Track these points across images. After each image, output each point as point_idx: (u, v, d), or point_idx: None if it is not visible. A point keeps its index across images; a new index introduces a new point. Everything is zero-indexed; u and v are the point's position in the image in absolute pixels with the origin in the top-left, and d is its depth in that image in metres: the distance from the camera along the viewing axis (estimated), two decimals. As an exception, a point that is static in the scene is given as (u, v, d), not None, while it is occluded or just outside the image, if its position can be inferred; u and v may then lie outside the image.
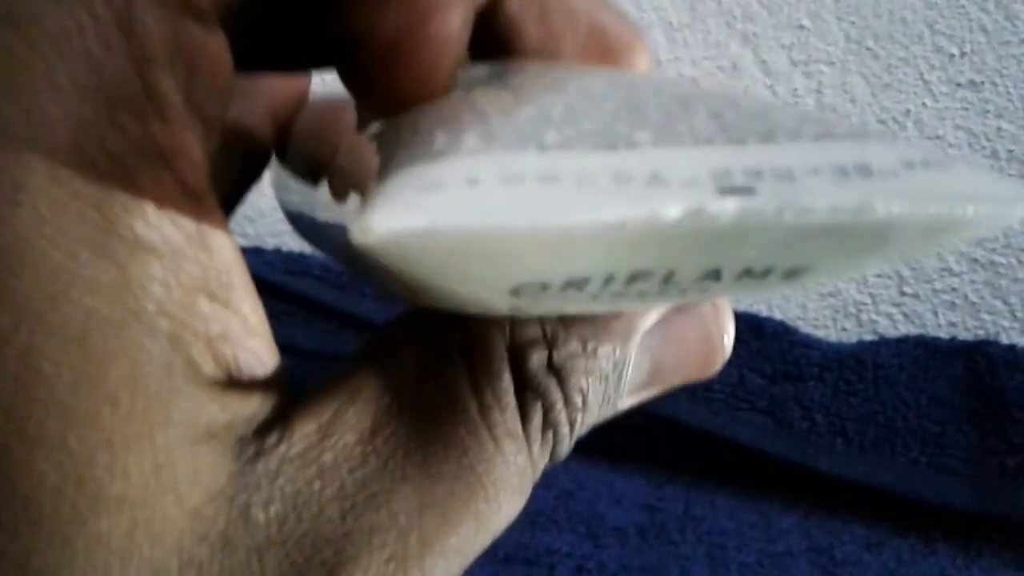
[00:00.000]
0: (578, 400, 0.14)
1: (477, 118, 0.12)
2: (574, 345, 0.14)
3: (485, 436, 0.13)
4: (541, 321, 0.14)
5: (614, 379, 0.15)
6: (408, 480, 0.13)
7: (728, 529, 0.34)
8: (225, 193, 0.19)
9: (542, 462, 0.14)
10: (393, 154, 0.11)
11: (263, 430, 0.13)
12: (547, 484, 0.35)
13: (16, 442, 0.11)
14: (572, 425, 0.14)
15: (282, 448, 0.13)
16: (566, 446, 0.14)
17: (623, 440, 0.35)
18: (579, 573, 0.32)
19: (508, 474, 0.14)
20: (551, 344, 0.14)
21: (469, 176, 0.10)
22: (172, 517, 0.12)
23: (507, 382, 0.14)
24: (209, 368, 0.12)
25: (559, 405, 0.14)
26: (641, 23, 0.38)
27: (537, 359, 0.14)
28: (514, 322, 0.14)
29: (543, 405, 0.14)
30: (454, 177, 0.10)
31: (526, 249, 0.10)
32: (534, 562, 0.32)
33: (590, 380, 0.14)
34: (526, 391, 0.14)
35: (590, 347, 0.14)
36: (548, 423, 0.14)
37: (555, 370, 0.14)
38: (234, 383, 0.13)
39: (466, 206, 0.10)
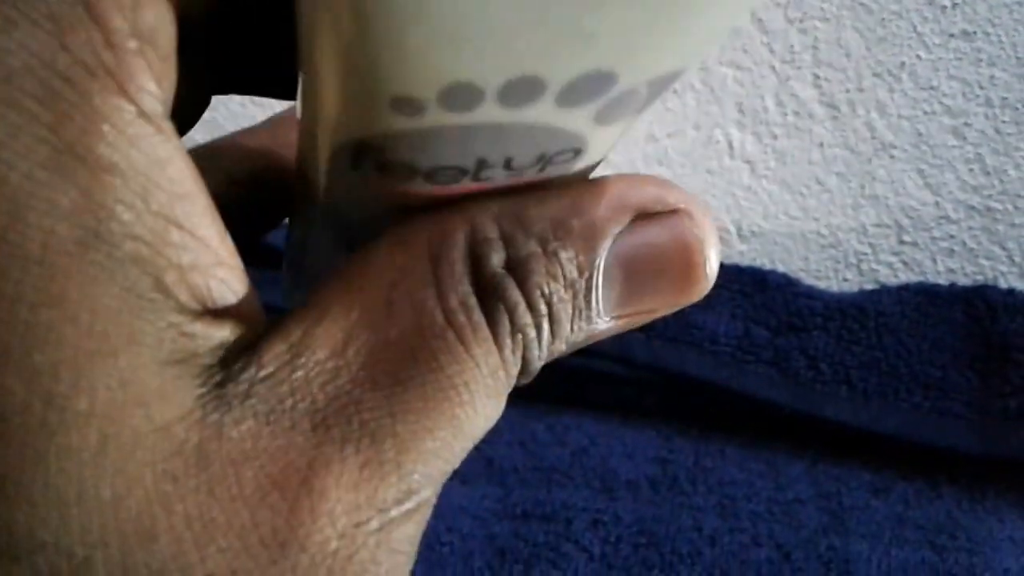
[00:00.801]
0: (540, 304, 0.14)
1: None
2: (532, 246, 0.14)
3: (453, 340, 0.13)
4: (499, 221, 0.14)
5: (582, 287, 0.14)
6: (379, 388, 0.13)
7: (738, 479, 0.35)
8: (249, 232, 0.19)
9: (514, 367, 0.14)
10: None
11: (234, 355, 0.13)
12: (561, 441, 0.36)
13: None
14: (539, 330, 0.14)
15: (251, 371, 0.13)
16: (536, 354, 0.14)
17: (633, 395, 0.36)
18: (595, 526, 0.33)
19: (480, 376, 0.14)
20: (508, 244, 0.14)
21: None
22: (142, 432, 0.12)
23: (467, 285, 0.14)
24: (182, 295, 0.12)
25: (521, 308, 0.14)
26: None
27: (496, 259, 0.14)
28: (474, 223, 0.14)
29: (506, 308, 0.14)
30: None
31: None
32: (551, 517, 0.33)
33: (551, 284, 0.14)
34: (487, 293, 0.14)
35: (550, 248, 0.14)
36: (514, 327, 0.14)
37: (513, 271, 0.14)
38: (206, 311, 0.13)
39: None
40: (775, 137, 0.40)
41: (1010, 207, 0.40)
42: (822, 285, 0.41)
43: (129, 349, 0.12)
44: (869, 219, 0.41)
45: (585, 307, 0.14)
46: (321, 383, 0.13)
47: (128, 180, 0.12)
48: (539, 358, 0.14)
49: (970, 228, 0.41)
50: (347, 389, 0.13)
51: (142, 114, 0.12)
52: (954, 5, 0.38)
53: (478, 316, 0.14)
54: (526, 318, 0.14)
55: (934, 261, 0.41)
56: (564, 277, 0.14)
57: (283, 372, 0.13)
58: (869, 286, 0.42)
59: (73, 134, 0.12)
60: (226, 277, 0.13)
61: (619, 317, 0.15)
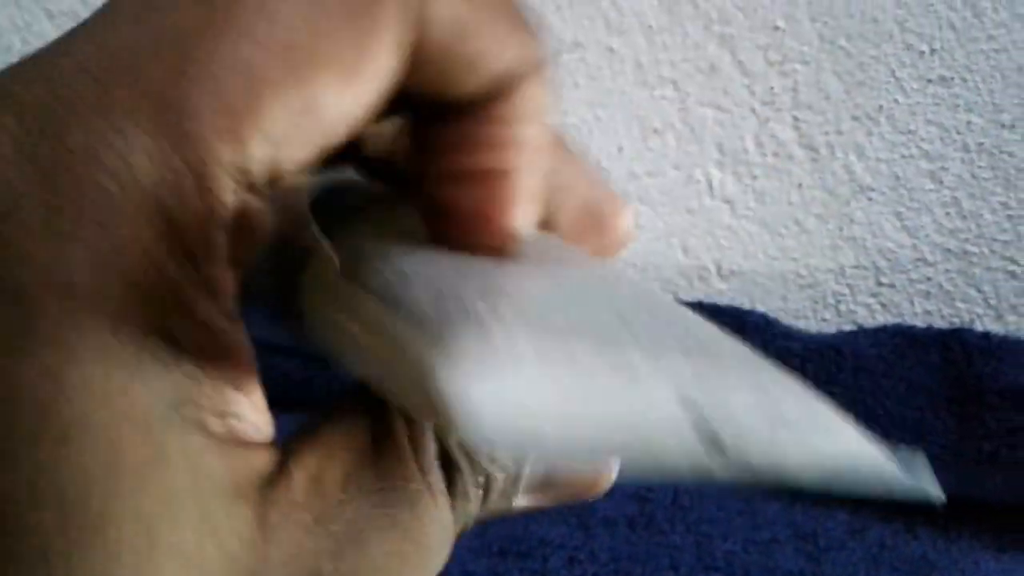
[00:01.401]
0: (481, 478, 0.17)
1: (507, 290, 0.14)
2: None
3: (425, 491, 0.16)
4: None
5: (512, 474, 0.17)
6: (377, 528, 0.16)
7: (715, 517, 0.34)
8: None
9: (459, 523, 0.17)
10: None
11: (270, 482, 0.15)
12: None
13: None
14: (477, 497, 0.17)
15: (288, 495, 0.15)
16: (472, 514, 0.17)
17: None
18: (571, 564, 0.33)
19: (443, 525, 0.17)
20: None
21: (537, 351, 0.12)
22: (214, 560, 0.14)
23: (433, 452, 0.17)
24: (222, 435, 0.15)
25: (468, 477, 0.17)
26: (621, 27, 0.39)
27: (453, 441, 0.17)
28: None
29: (459, 475, 0.17)
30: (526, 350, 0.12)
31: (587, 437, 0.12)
32: (527, 554, 0.33)
33: (492, 467, 0.17)
34: (446, 460, 0.17)
35: None
36: (461, 491, 0.17)
37: (464, 450, 0.17)
38: (243, 446, 0.15)
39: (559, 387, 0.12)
40: (755, 177, 0.41)
41: (986, 250, 0.41)
42: (801, 325, 0.41)
43: (203, 492, 0.14)
44: (847, 260, 0.41)
45: (511, 489, 0.18)
46: (337, 511, 0.16)
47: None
48: (472, 517, 0.18)
49: (947, 271, 0.41)
50: (354, 519, 0.16)
51: (223, 311, 0.15)
52: (932, 51, 0.39)
53: (439, 476, 0.17)
54: (471, 486, 0.17)
55: (911, 303, 0.42)
56: (500, 464, 0.17)
57: (310, 499, 0.15)
58: (847, 326, 0.42)
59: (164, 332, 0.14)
60: (258, 421, 0.15)
61: (532, 498, 0.18)
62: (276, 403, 0.16)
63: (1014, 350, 0.37)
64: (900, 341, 0.37)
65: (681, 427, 0.13)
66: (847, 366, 0.36)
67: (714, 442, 0.13)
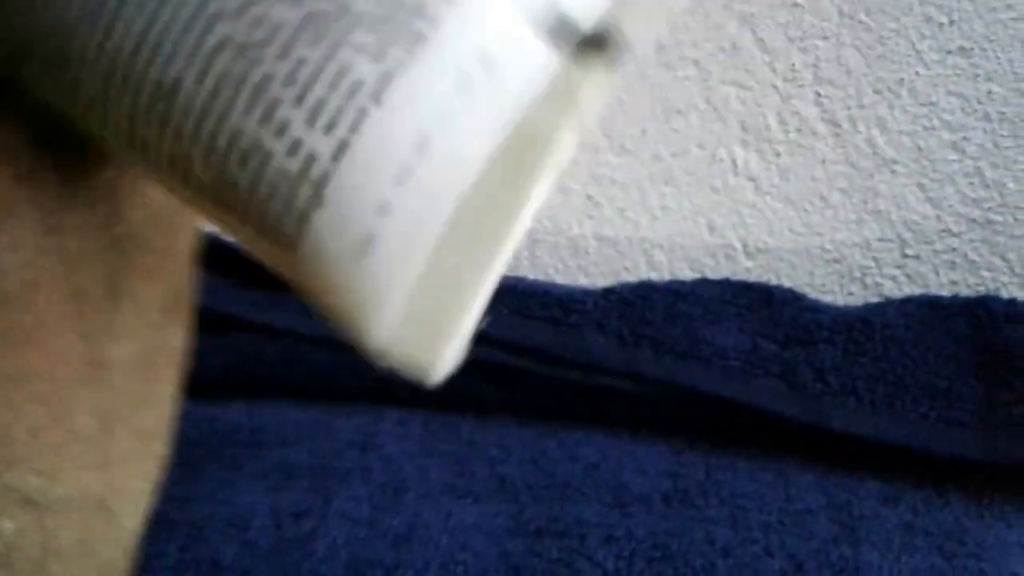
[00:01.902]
0: None
1: None
2: None
3: None
4: None
5: None
6: None
7: (749, 491, 0.35)
8: None
9: None
10: None
11: None
12: (573, 457, 0.36)
13: None
14: None
15: None
16: None
17: (644, 410, 0.37)
18: (608, 542, 0.34)
19: None
20: None
21: None
22: None
23: None
24: None
25: None
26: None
27: None
28: None
29: None
30: None
31: None
32: (564, 533, 0.34)
33: None
34: None
35: None
36: None
37: None
38: None
39: None
40: (778, 155, 0.41)
41: (1010, 219, 0.41)
42: (827, 299, 0.41)
43: None
44: (872, 234, 0.42)
45: None
46: None
47: None
48: None
49: (971, 240, 0.41)
50: None
51: None
52: (951, 22, 0.39)
53: None
54: None
55: (937, 274, 0.42)
56: None
57: None
58: (874, 299, 0.42)
59: None
60: None
61: None
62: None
63: (1041, 316, 0.37)
64: (927, 311, 0.37)
65: None
66: (875, 338, 0.37)
67: None
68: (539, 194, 0.16)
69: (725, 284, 0.38)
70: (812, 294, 0.41)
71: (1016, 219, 0.41)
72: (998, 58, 0.39)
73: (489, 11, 0.15)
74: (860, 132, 0.41)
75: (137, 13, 0.15)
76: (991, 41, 0.39)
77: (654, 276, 0.43)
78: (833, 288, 0.43)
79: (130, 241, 0.19)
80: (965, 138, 0.40)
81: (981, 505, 0.34)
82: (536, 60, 0.15)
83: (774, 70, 0.40)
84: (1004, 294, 0.42)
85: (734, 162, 0.41)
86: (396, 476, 0.35)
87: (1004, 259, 0.42)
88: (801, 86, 0.40)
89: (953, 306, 0.37)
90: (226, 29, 0.15)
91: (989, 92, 0.40)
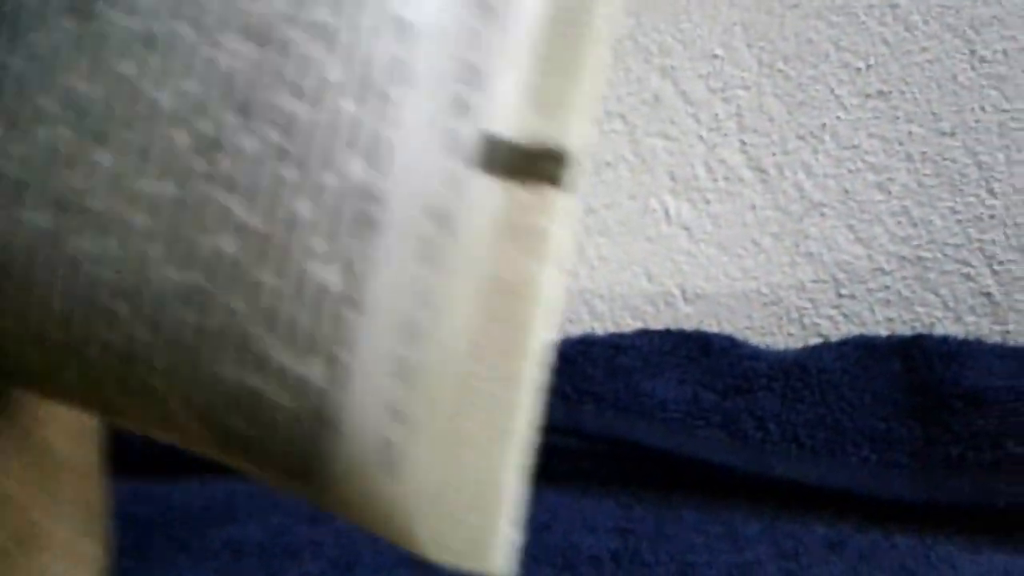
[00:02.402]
0: None
1: None
2: None
3: None
4: None
5: None
6: None
7: (697, 544, 0.35)
8: None
9: None
10: None
11: None
12: (524, 517, 0.36)
13: None
14: None
15: None
16: None
17: (591, 466, 0.37)
18: (561, 602, 0.33)
19: None
20: None
21: None
22: None
23: None
24: None
25: None
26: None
27: None
28: None
29: None
30: None
31: None
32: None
33: None
34: None
35: None
36: None
37: None
38: None
39: None
40: (708, 202, 0.41)
41: (939, 255, 0.42)
42: (768, 342, 0.42)
43: None
44: (806, 275, 0.42)
45: None
46: None
47: None
48: None
49: (903, 278, 0.42)
50: None
51: None
52: (868, 67, 0.40)
53: None
54: None
55: (872, 312, 0.42)
56: None
57: None
58: (813, 340, 0.43)
59: None
60: None
61: None
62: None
63: (973, 352, 0.37)
64: (862, 353, 0.37)
65: None
66: (812, 382, 0.37)
67: None
68: (541, 348, 0.15)
69: (664, 335, 0.38)
70: (752, 337, 0.41)
71: (945, 255, 0.42)
72: (916, 99, 0.40)
73: (423, 162, 0.15)
74: (787, 177, 0.41)
75: (55, 268, 0.14)
76: (908, 83, 0.40)
77: (596, 326, 0.43)
78: (772, 330, 0.43)
79: (45, 462, 0.19)
80: (890, 178, 0.41)
81: (926, 547, 0.35)
82: (482, 194, 0.15)
83: (698, 120, 0.40)
84: (939, 329, 0.42)
85: (666, 211, 0.42)
86: (348, 550, 0.35)
87: (937, 295, 0.42)
88: (726, 135, 0.41)
89: (887, 347, 0.37)
90: (165, 272, 0.14)
91: (910, 133, 0.41)
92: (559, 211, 0.15)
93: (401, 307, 0.14)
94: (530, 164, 0.15)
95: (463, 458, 0.15)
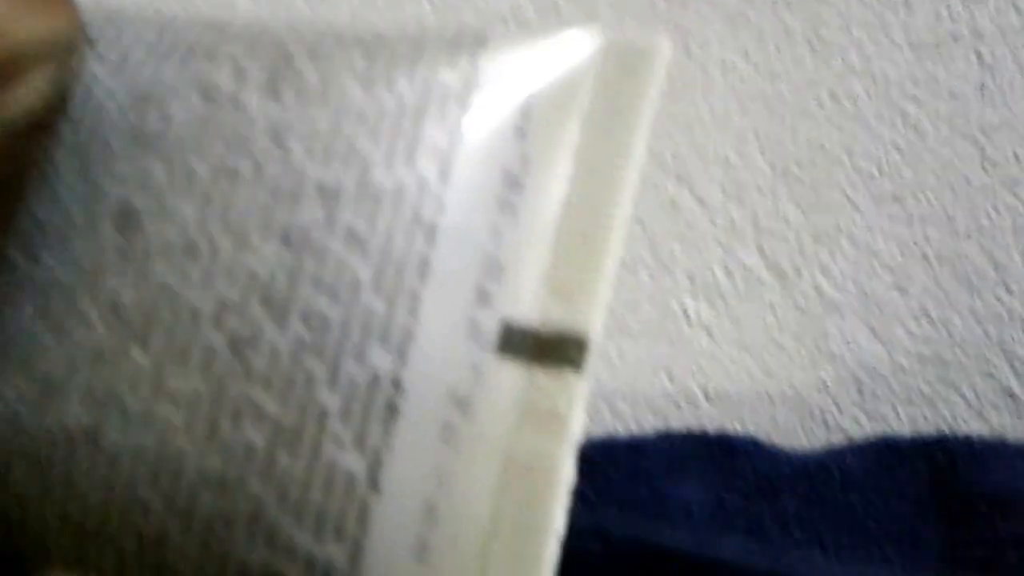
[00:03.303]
0: None
1: None
2: None
3: None
4: None
5: None
6: None
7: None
8: None
9: None
10: None
11: None
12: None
13: None
14: None
15: None
16: None
17: (621, 573, 0.37)
18: None
19: None
20: None
21: None
22: None
23: None
24: None
25: None
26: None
27: None
28: None
29: None
30: None
31: None
32: None
33: None
34: None
35: None
36: None
37: None
38: None
39: None
40: (727, 304, 0.42)
41: (960, 354, 0.42)
42: (791, 441, 0.42)
43: None
44: (828, 375, 0.42)
45: None
46: None
47: None
48: None
49: (925, 377, 0.42)
50: None
51: None
52: (881, 173, 0.41)
53: None
54: None
55: (895, 410, 0.43)
56: None
57: None
58: (836, 438, 0.43)
59: None
60: None
61: None
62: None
63: (997, 453, 0.37)
64: (885, 454, 0.37)
65: None
66: (836, 485, 0.37)
67: None
68: (560, 526, 0.16)
69: (687, 437, 0.39)
70: (775, 436, 0.41)
71: (966, 354, 0.42)
72: (931, 203, 0.41)
73: (447, 351, 0.15)
74: (805, 278, 0.42)
75: (95, 462, 0.15)
76: (922, 188, 0.41)
77: (618, 425, 0.43)
78: (796, 429, 0.43)
79: None
80: (908, 279, 0.42)
81: (954, 652, 0.34)
82: (503, 380, 0.16)
83: (715, 224, 0.41)
84: (962, 427, 0.42)
85: (686, 313, 0.42)
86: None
87: (959, 393, 0.42)
88: (743, 238, 0.41)
89: (911, 448, 0.37)
90: (198, 464, 0.15)
91: (925, 235, 0.41)
92: (578, 394, 0.16)
93: (422, 491, 0.15)
94: (550, 350, 0.16)
95: None
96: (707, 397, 0.43)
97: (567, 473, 0.16)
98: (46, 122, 0.16)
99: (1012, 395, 0.42)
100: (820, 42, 0.41)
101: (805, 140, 0.41)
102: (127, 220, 0.15)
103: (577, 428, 0.16)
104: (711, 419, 0.43)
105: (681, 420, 0.43)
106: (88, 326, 0.15)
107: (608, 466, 0.38)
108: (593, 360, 0.16)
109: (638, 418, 0.44)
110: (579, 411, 0.16)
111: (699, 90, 0.42)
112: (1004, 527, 0.35)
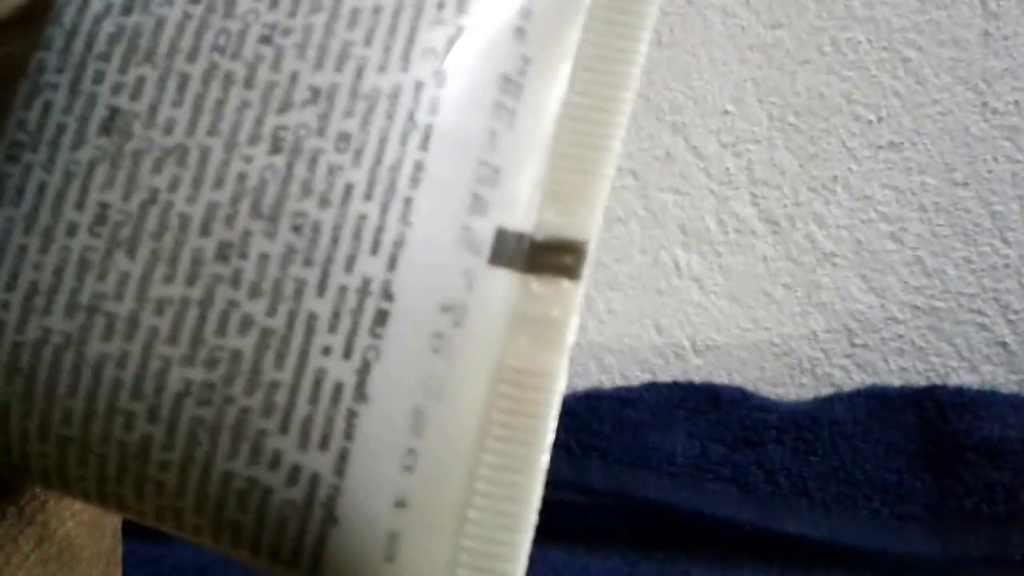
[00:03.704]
0: None
1: None
2: None
3: None
4: None
5: None
6: None
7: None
8: None
9: None
10: None
11: None
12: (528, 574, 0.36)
13: None
14: None
15: None
16: None
17: (597, 522, 0.37)
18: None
19: None
20: None
21: None
22: None
23: None
24: None
25: None
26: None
27: None
28: None
29: None
30: None
31: None
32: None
33: None
34: None
35: None
36: None
37: None
38: None
39: None
40: (719, 255, 0.42)
41: (953, 305, 0.42)
42: (779, 392, 0.42)
43: None
44: (819, 326, 0.42)
45: None
46: None
47: None
48: None
49: (917, 327, 0.42)
50: None
51: None
52: (879, 119, 0.40)
53: None
54: None
55: (886, 361, 0.42)
56: None
57: None
58: (825, 390, 0.42)
59: None
60: None
61: None
62: None
63: (988, 403, 0.37)
64: (874, 404, 0.37)
65: None
66: (824, 434, 0.37)
67: None
68: (552, 436, 0.16)
69: (672, 387, 0.38)
70: (764, 388, 0.41)
71: (960, 305, 0.42)
72: (929, 151, 0.40)
73: (440, 259, 0.15)
74: (798, 229, 0.41)
75: (79, 372, 0.15)
76: (920, 135, 0.40)
77: (604, 379, 0.43)
78: (784, 380, 0.43)
79: (63, 555, 0.19)
80: (903, 229, 0.41)
81: (940, 602, 0.34)
82: (497, 288, 0.15)
83: (709, 175, 0.41)
84: (954, 379, 0.42)
85: (676, 264, 0.42)
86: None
87: (951, 344, 0.42)
88: (737, 188, 0.41)
89: (900, 398, 0.37)
90: (184, 373, 0.15)
91: (922, 183, 0.41)
92: (574, 302, 0.16)
93: (411, 400, 0.15)
94: (546, 257, 0.16)
95: (468, 546, 0.15)
96: (695, 349, 0.43)
97: (560, 383, 0.16)
98: (36, 16, 0.16)
99: (1005, 347, 0.41)
100: (821, -13, 0.40)
101: (804, 88, 0.40)
102: (117, 125, 0.15)
103: (571, 337, 0.16)
104: (699, 371, 0.43)
105: (669, 373, 0.43)
106: (75, 233, 0.15)
107: (592, 418, 0.37)
108: (590, 268, 0.16)
109: (625, 372, 0.43)
110: (574, 319, 0.16)
111: (698, 38, 0.41)
112: (994, 476, 0.35)
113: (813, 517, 0.36)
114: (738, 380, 0.41)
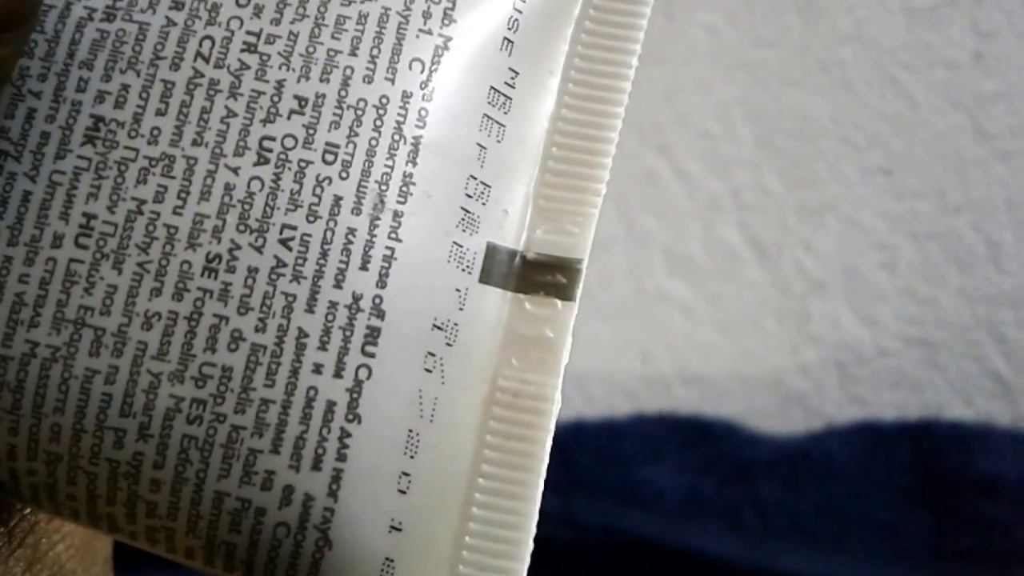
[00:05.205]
0: None
1: None
2: None
3: None
4: None
5: None
6: None
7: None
8: None
9: None
10: None
11: None
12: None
13: None
14: None
15: None
16: None
17: (590, 560, 0.35)
18: None
19: None
20: None
21: None
22: None
23: None
24: None
25: None
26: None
27: None
28: None
29: None
30: None
31: None
32: None
33: None
34: None
35: None
36: None
37: None
38: None
39: None
40: (705, 281, 0.40)
41: (946, 335, 0.40)
42: (769, 425, 0.40)
43: None
44: (809, 357, 0.41)
45: None
46: None
47: None
48: None
49: (909, 358, 0.41)
50: None
51: None
52: (868, 144, 0.39)
53: None
54: None
55: (878, 394, 0.41)
56: None
57: None
58: (816, 423, 0.41)
59: None
60: None
61: None
62: None
63: (984, 438, 0.36)
64: (868, 439, 0.36)
65: None
66: (816, 470, 0.36)
67: None
68: (547, 458, 0.16)
69: (660, 420, 0.37)
70: (752, 420, 0.40)
71: (953, 335, 0.40)
72: (920, 176, 0.40)
73: (431, 276, 0.15)
74: (786, 255, 0.40)
75: (68, 387, 0.15)
76: (911, 159, 0.39)
77: (587, 409, 0.42)
78: (773, 413, 0.42)
79: None
80: (894, 257, 0.40)
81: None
82: (489, 307, 0.15)
83: (694, 198, 0.39)
84: (947, 411, 0.41)
85: (661, 291, 0.41)
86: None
87: (945, 376, 0.41)
88: (723, 213, 0.40)
89: (895, 432, 0.36)
90: (173, 390, 0.14)
91: (914, 209, 0.40)
92: (568, 321, 0.16)
93: (405, 421, 0.15)
94: (538, 276, 0.16)
95: (465, 573, 0.15)
96: (683, 380, 0.42)
97: (555, 406, 0.16)
98: (22, 22, 0.15)
99: (1000, 378, 0.40)
100: (809, 6, 0.40)
101: (791, 110, 0.39)
102: (101, 134, 0.15)
103: (566, 357, 0.16)
104: (687, 403, 0.42)
105: (655, 404, 0.42)
106: (60, 245, 0.15)
107: (577, 449, 0.36)
108: (583, 287, 0.16)
109: (610, 402, 0.42)
110: (569, 340, 0.16)
111: (681, 57, 0.40)
112: (990, 513, 0.34)
113: (806, 555, 0.35)
114: (726, 412, 0.40)
